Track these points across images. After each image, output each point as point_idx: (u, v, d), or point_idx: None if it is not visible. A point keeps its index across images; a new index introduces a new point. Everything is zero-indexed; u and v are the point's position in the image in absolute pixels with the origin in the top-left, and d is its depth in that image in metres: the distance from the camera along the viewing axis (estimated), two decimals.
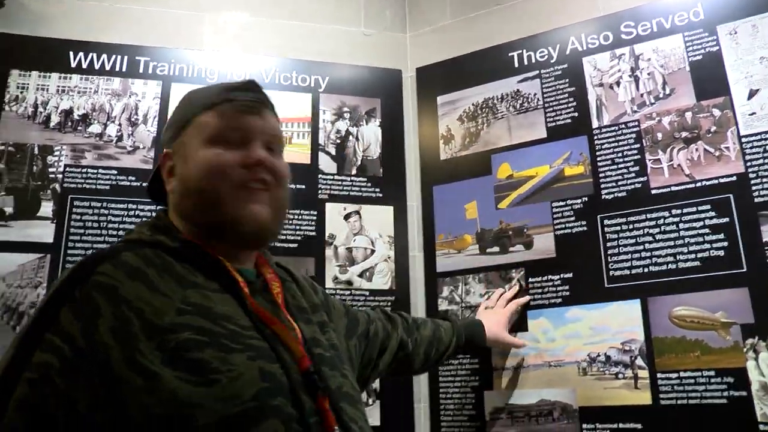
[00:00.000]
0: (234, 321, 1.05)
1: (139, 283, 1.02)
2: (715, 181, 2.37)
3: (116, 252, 1.07)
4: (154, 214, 1.29)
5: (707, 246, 2.33)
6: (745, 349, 2.19)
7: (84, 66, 2.82)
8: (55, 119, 2.73)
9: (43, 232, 2.58)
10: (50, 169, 2.66)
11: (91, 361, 0.92)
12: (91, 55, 2.83)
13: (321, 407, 1.05)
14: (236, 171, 1.14)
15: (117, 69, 2.84)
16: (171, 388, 0.92)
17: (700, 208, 2.37)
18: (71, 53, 2.82)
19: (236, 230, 1.13)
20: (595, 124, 2.64)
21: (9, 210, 2.59)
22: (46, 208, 2.61)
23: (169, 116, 1.36)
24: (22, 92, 2.73)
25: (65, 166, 2.67)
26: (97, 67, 2.82)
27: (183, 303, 1.02)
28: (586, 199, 2.59)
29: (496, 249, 2.73)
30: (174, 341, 0.96)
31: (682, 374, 2.27)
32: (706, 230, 2.34)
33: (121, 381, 0.92)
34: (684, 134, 2.46)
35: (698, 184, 2.40)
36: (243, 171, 1.14)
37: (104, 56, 2.84)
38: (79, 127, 2.75)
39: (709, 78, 2.46)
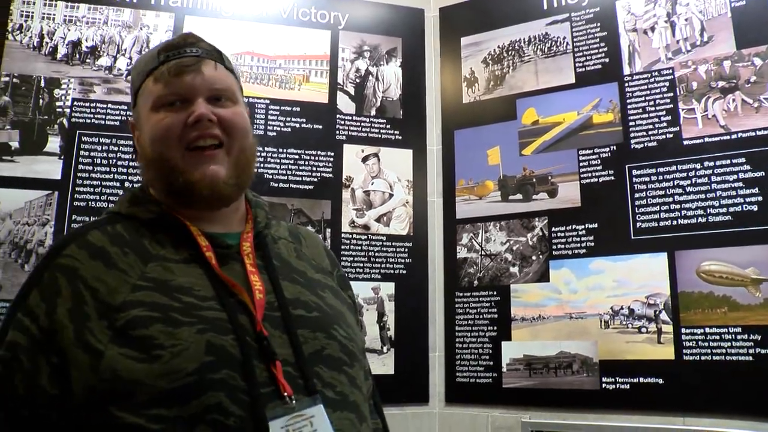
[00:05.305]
0: (192, 292, 1.04)
1: (99, 262, 1.04)
2: (752, 134, 2.29)
3: (85, 231, 1.10)
4: None
5: (740, 200, 2.27)
6: None
7: None
8: (62, 51, 2.62)
9: (50, 168, 2.49)
10: (57, 103, 2.56)
11: (50, 340, 0.97)
12: None
13: (272, 375, 1.01)
14: (183, 132, 1.11)
15: (128, 0, 2.70)
16: (113, 366, 0.93)
17: (734, 161, 2.30)
18: None
19: (194, 195, 1.11)
20: (626, 70, 2.55)
21: (15, 145, 2.50)
22: (54, 143, 2.52)
23: None
24: (26, 21, 2.61)
25: (73, 100, 2.57)
26: None
27: (141, 279, 1.03)
28: (615, 148, 2.51)
29: (518, 196, 2.66)
30: (123, 319, 0.97)
31: (707, 330, 2.23)
32: (740, 184, 2.28)
33: (69, 358, 0.95)
34: (721, 84, 2.37)
35: (734, 136, 2.32)
36: (190, 131, 1.11)
37: None
38: (87, 60, 2.63)
39: (753, 25, 2.35)
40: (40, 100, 2.55)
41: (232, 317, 1.02)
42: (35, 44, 2.60)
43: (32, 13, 2.62)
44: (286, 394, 0.99)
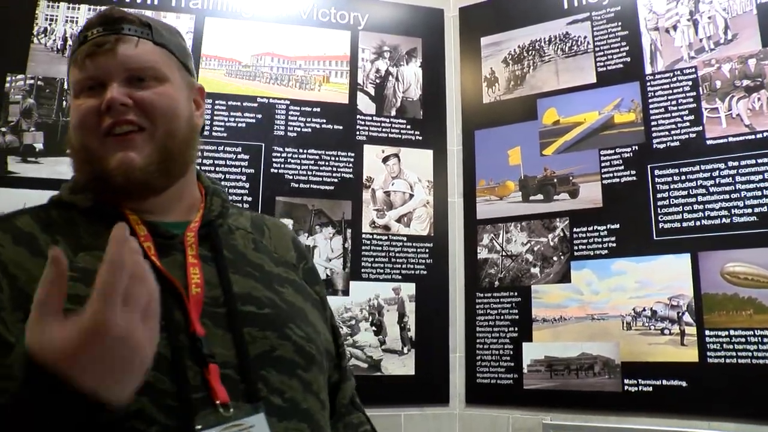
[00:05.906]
0: None
1: (23, 248, 0.96)
2: None
3: (15, 215, 1.03)
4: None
5: (765, 201, 2.23)
6: None
7: None
8: None
9: None
10: None
11: None
12: None
13: (205, 379, 0.91)
14: (99, 120, 1.02)
15: (148, 2, 2.72)
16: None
17: (759, 161, 2.26)
18: None
19: (109, 183, 1.02)
20: (648, 69, 2.52)
21: (39, 146, 2.52)
22: None
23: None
24: (50, 24, 2.63)
25: None
26: None
27: (68, 269, 0.91)
28: (637, 147, 2.48)
29: (539, 197, 2.64)
30: None
31: (732, 332, 2.20)
32: (765, 184, 2.24)
33: None
34: (746, 82, 2.34)
35: (759, 136, 2.28)
36: (105, 118, 1.02)
37: None
38: None
39: None
40: (64, 102, 2.57)
41: (165, 314, 0.88)
42: (59, 47, 2.62)
43: (56, 16, 2.65)
44: (218, 401, 0.89)
